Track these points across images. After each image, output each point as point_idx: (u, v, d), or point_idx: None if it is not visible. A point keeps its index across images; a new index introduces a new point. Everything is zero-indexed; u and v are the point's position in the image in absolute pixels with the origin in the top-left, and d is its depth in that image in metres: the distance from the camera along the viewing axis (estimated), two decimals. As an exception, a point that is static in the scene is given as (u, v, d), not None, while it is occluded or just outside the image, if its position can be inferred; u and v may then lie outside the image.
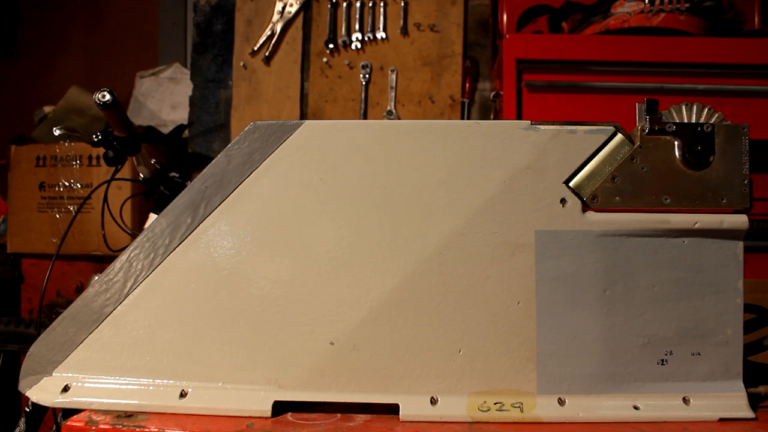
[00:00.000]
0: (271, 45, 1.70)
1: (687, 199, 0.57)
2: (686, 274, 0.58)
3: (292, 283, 0.58)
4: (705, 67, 1.23)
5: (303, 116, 1.69)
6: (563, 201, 0.58)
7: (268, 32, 1.70)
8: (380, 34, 1.68)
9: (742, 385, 0.58)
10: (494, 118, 1.49)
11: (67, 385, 0.58)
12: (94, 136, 0.93)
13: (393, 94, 1.67)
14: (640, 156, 0.57)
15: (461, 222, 0.58)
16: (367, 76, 1.67)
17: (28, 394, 0.59)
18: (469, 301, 0.58)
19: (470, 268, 0.58)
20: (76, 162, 1.63)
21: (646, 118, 0.58)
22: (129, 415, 0.56)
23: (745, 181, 0.57)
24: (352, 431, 0.54)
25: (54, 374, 0.59)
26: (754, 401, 0.58)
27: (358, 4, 1.68)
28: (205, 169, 0.60)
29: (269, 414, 0.57)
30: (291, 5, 1.70)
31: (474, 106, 1.67)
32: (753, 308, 0.71)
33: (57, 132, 0.99)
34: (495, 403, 0.57)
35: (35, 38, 2.30)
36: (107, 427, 0.54)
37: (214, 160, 0.60)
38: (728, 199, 0.57)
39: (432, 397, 0.57)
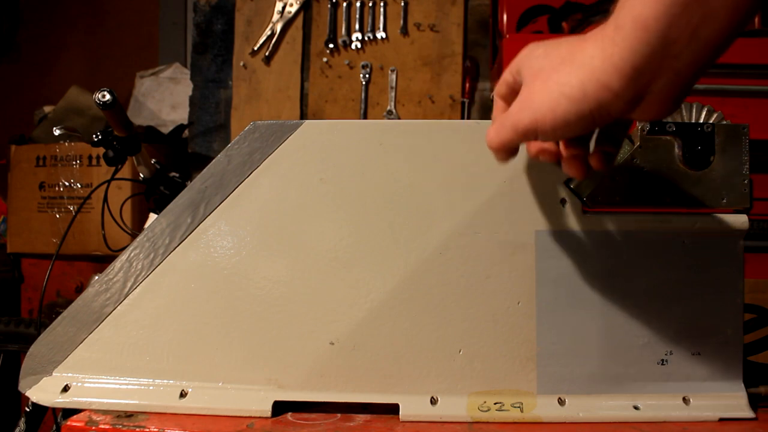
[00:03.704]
0: (271, 45, 1.70)
1: (687, 199, 0.57)
2: (686, 274, 0.58)
3: (292, 283, 0.58)
4: (705, 67, 1.23)
5: (303, 116, 1.69)
6: (563, 201, 0.58)
7: (268, 32, 1.70)
8: (380, 34, 1.68)
9: (742, 385, 0.58)
10: (494, 118, 1.48)
11: (67, 385, 0.58)
12: (94, 136, 0.93)
13: (393, 94, 1.67)
14: (640, 156, 0.57)
15: (461, 222, 0.58)
16: (367, 76, 1.67)
17: (28, 394, 0.59)
18: (469, 301, 0.58)
19: (470, 268, 0.58)
20: (76, 162, 1.63)
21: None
22: (129, 415, 0.56)
23: (745, 181, 0.57)
24: (352, 431, 0.54)
25: (54, 374, 0.59)
26: (754, 401, 0.58)
27: (358, 4, 1.68)
28: (205, 169, 0.60)
29: (269, 414, 0.57)
30: (291, 5, 1.70)
31: (474, 106, 1.67)
32: (753, 308, 0.71)
33: (57, 132, 0.99)
34: (495, 403, 0.57)
35: (35, 38, 2.30)
36: (107, 427, 0.54)
37: (214, 160, 0.60)
38: (728, 199, 0.57)
39: (432, 397, 0.57)
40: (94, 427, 0.54)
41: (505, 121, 0.45)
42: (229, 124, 1.72)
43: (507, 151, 0.47)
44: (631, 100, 0.39)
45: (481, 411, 0.56)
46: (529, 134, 0.44)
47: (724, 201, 0.57)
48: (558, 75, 0.41)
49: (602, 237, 0.58)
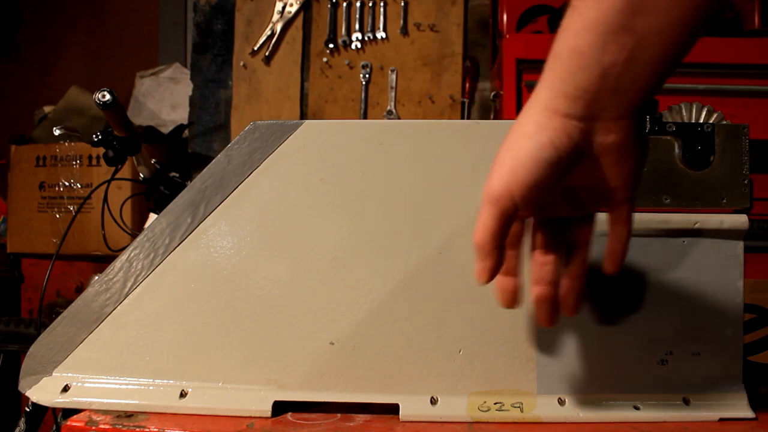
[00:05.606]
0: (271, 45, 1.70)
1: (687, 199, 0.57)
2: (686, 274, 0.58)
3: (292, 283, 0.58)
4: (705, 67, 1.23)
5: (303, 116, 1.69)
6: (563, 201, 0.58)
7: (268, 32, 1.70)
8: (380, 34, 1.68)
9: (743, 385, 0.58)
10: (494, 118, 1.49)
11: (67, 385, 0.58)
12: (94, 136, 0.93)
13: (393, 94, 1.67)
14: (640, 156, 0.57)
15: (461, 222, 0.58)
16: (367, 76, 1.67)
17: (28, 394, 0.59)
18: (469, 301, 0.58)
19: (470, 268, 0.58)
20: (76, 162, 1.63)
21: (646, 118, 0.58)
22: (129, 415, 0.56)
23: (745, 181, 0.57)
24: (352, 431, 0.54)
25: (54, 374, 0.59)
26: (754, 401, 0.58)
27: (358, 4, 1.68)
28: (205, 169, 0.60)
29: (269, 414, 0.57)
30: (291, 5, 1.70)
31: (474, 106, 1.67)
32: (753, 308, 0.72)
33: (57, 132, 0.99)
34: (495, 403, 0.57)
35: (35, 38, 2.30)
36: (107, 427, 0.54)
37: (214, 160, 0.60)
38: (728, 199, 0.57)
39: (432, 397, 0.57)
40: (94, 427, 0.54)
41: (482, 202, 0.43)
42: (229, 124, 1.72)
43: (493, 243, 0.43)
44: (583, 117, 0.39)
45: (481, 411, 0.56)
46: (505, 199, 0.41)
47: (724, 201, 0.57)
48: (516, 127, 0.42)
49: (602, 237, 0.58)
